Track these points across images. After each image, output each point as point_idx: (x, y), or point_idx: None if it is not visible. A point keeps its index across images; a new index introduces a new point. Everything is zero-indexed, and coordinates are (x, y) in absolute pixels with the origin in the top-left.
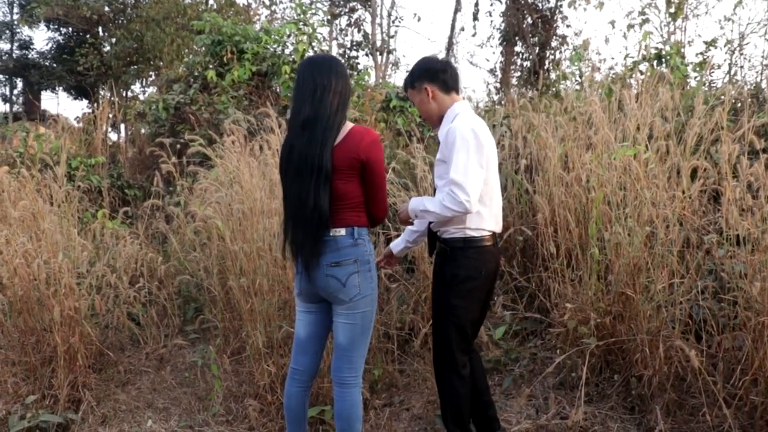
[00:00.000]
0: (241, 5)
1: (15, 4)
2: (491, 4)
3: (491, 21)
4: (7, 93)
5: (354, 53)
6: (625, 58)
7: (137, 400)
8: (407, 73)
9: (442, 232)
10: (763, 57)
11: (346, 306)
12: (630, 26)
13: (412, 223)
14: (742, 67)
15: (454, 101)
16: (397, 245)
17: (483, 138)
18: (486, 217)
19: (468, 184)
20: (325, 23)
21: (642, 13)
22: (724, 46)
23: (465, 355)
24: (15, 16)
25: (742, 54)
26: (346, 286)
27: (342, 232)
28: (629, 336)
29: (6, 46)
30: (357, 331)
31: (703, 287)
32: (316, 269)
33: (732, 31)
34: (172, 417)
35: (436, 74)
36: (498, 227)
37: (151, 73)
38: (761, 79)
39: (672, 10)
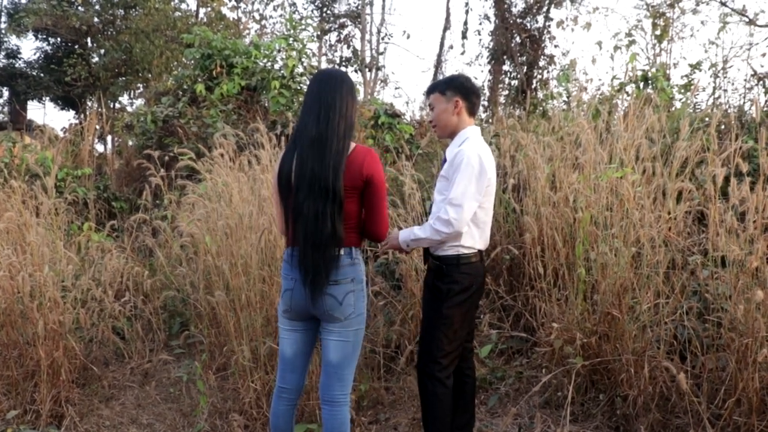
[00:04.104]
0: (231, 19)
1: (3, 13)
2: (480, 23)
3: (480, 39)
4: None
5: (343, 69)
6: (612, 80)
7: (121, 415)
8: (442, 79)
9: (435, 249)
10: (745, 80)
11: (340, 324)
12: (617, 47)
13: (404, 252)
14: (725, 90)
15: (470, 125)
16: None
17: (487, 165)
18: (478, 238)
19: (461, 206)
20: (315, 39)
21: (629, 34)
22: (709, 69)
23: (451, 365)
24: (2, 25)
25: (725, 77)
26: (343, 305)
27: (342, 252)
28: (615, 356)
29: None
30: (349, 349)
31: (687, 308)
32: (317, 288)
33: (716, 54)
34: None
35: (471, 95)
36: (485, 246)
37: (139, 85)
38: (743, 102)
39: (658, 32)
